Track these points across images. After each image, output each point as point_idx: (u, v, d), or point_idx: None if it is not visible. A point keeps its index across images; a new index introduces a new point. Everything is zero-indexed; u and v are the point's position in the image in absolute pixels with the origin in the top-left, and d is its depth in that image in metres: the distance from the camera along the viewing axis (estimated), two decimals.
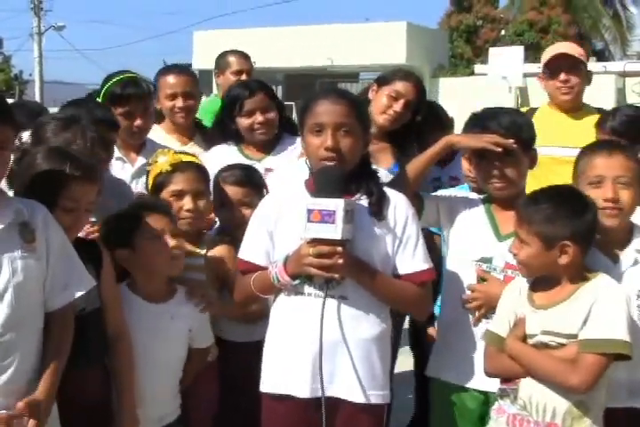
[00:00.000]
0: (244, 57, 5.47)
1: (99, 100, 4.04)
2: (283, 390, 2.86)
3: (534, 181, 4.30)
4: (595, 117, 4.26)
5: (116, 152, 4.05)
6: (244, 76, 5.22)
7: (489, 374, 2.92)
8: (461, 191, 3.96)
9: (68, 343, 2.72)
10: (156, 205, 3.21)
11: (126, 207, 3.22)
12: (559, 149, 4.39)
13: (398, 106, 4.02)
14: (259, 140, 4.14)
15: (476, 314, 3.10)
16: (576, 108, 4.62)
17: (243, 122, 4.15)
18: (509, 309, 2.88)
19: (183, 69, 4.73)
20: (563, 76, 4.53)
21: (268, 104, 4.14)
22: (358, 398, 2.82)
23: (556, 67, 4.57)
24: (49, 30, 37.03)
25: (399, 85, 4.06)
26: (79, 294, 2.72)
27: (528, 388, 2.77)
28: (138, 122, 3.99)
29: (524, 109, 4.75)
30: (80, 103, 3.76)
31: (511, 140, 3.03)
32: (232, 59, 5.41)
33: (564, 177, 4.15)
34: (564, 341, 2.71)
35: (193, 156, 3.61)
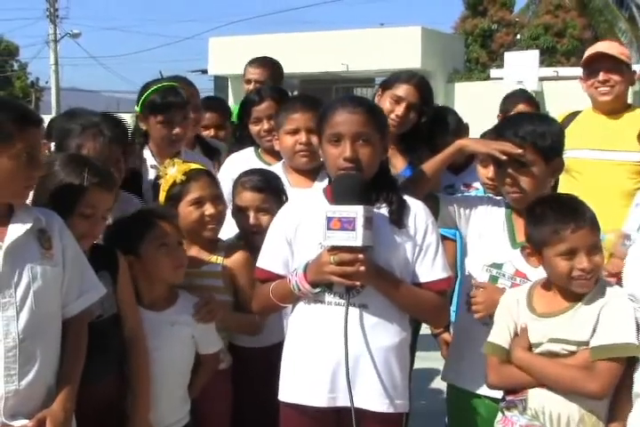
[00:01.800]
0: (260, 66, 5.46)
1: (137, 108, 4.07)
2: (300, 399, 2.84)
3: (569, 184, 4.29)
4: (636, 118, 4.19)
5: (152, 160, 4.05)
6: (252, 86, 5.23)
7: (493, 386, 2.90)
8: (478, 194, 3.93)
9: (83, 351, 2.74)
10: (165, 213, 3.22)
11: (133, 213, 3.23)
12: (593, 151, 4.31)
13: (400, 110, 4.00)
14: (267, 147, 4.12)
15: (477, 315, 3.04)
16: (618, 110, 4.36)
17: (252, 129, 4.19)
18: (508, 318, 2.85)
19: (186, 82, 4.69)
20: (602, 76, 4.33)
21: (276, 112, 4.09)
22: (378, 407, 2.81)
23: (594, 67, 4.39)
24: (65, 38, 37.30)
25: (400, 89, 4.05)
26: (93, 300, 2.75)
27: (539, 397, 2.75)
28: (176, 130, 3.97)
29: (566, 113, 4.64)
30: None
31: (520, 151, 2.98)
32: (247, 67, 5.46)
33: (597, 179, 4.13)
34: (574, 348, 2.70)
35: (198, 163, 3.63)
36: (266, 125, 4.11)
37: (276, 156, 4.05)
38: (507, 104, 5.38)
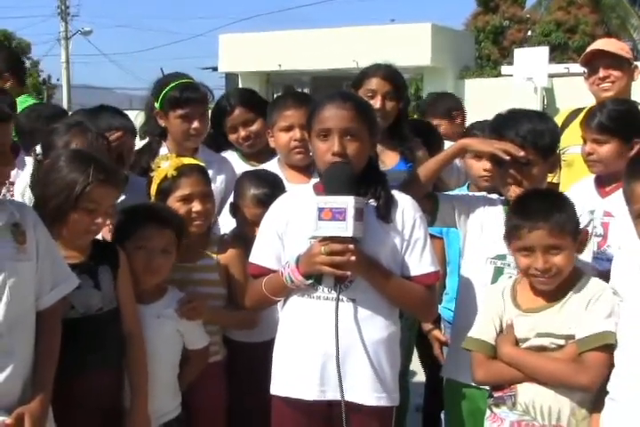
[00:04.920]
0: None
1: (156, 104, 4.09)
2: (291, 392, 2.87)
3: (570, 179, 4.27)
4: None
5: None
6: None
7: (480, 382, 2.92)
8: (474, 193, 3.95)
9: (57, 344, 2.74)
10: (165, 217, 3.20)
11: (131, 208, 3.25)
12: None
13: (377, 103, 4.01)
14: (249, 152, 4.24)
15: None
16: None
17: (230, 137, 4.31)
18: (493, 314, 2.87)
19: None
20: (601, 72, 4.35)
21: (249, 117, 4.25)
22: (367, 400, 2.82)
23: (594, 64, 4.41)
24: (76, 35, 37.40)
25: (371, 83, 4.07)
26: (66, 292, 2.77)
27: (528, 392, 2.76)
28: (195, 125, 4.02)
29: (570, 110, 4.64)
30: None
31: (522, 153, 3.01)
32: None
33: None
34: (562, 342, 2.72)
35: (194, 159, 3.66)
36: (242, 133, 4.22)
37: (259, 158, 4.13)
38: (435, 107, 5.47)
